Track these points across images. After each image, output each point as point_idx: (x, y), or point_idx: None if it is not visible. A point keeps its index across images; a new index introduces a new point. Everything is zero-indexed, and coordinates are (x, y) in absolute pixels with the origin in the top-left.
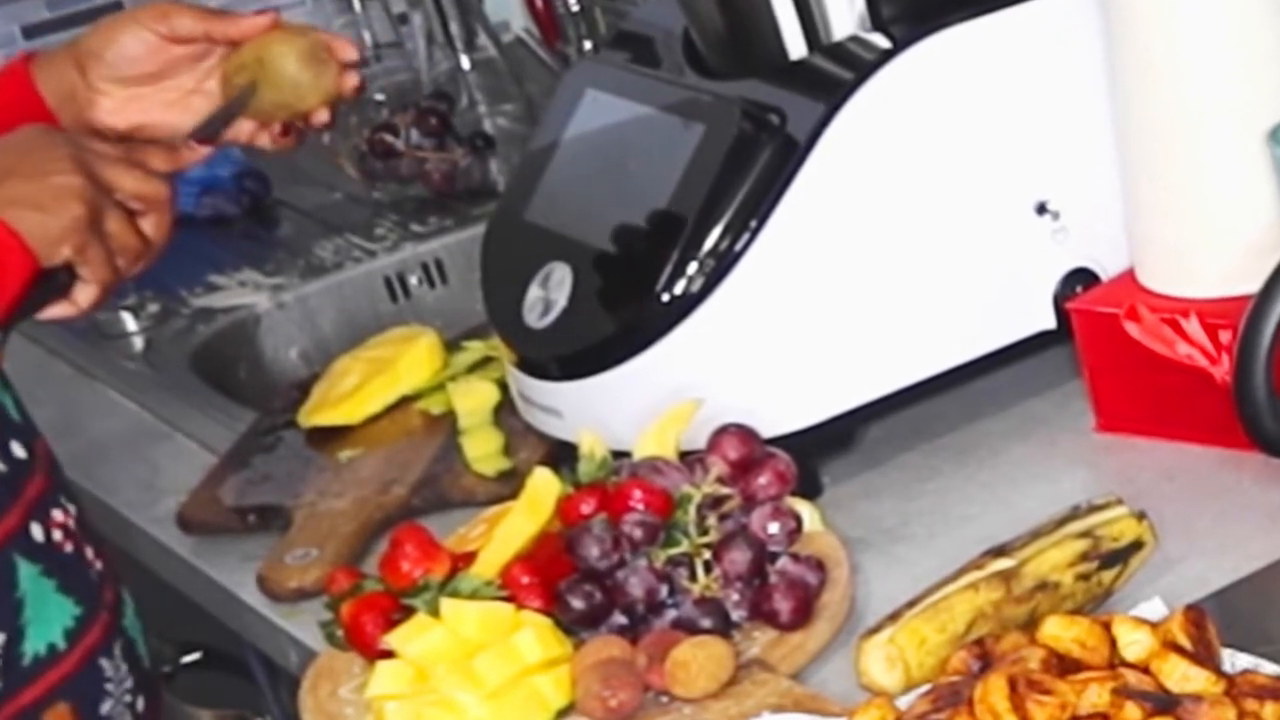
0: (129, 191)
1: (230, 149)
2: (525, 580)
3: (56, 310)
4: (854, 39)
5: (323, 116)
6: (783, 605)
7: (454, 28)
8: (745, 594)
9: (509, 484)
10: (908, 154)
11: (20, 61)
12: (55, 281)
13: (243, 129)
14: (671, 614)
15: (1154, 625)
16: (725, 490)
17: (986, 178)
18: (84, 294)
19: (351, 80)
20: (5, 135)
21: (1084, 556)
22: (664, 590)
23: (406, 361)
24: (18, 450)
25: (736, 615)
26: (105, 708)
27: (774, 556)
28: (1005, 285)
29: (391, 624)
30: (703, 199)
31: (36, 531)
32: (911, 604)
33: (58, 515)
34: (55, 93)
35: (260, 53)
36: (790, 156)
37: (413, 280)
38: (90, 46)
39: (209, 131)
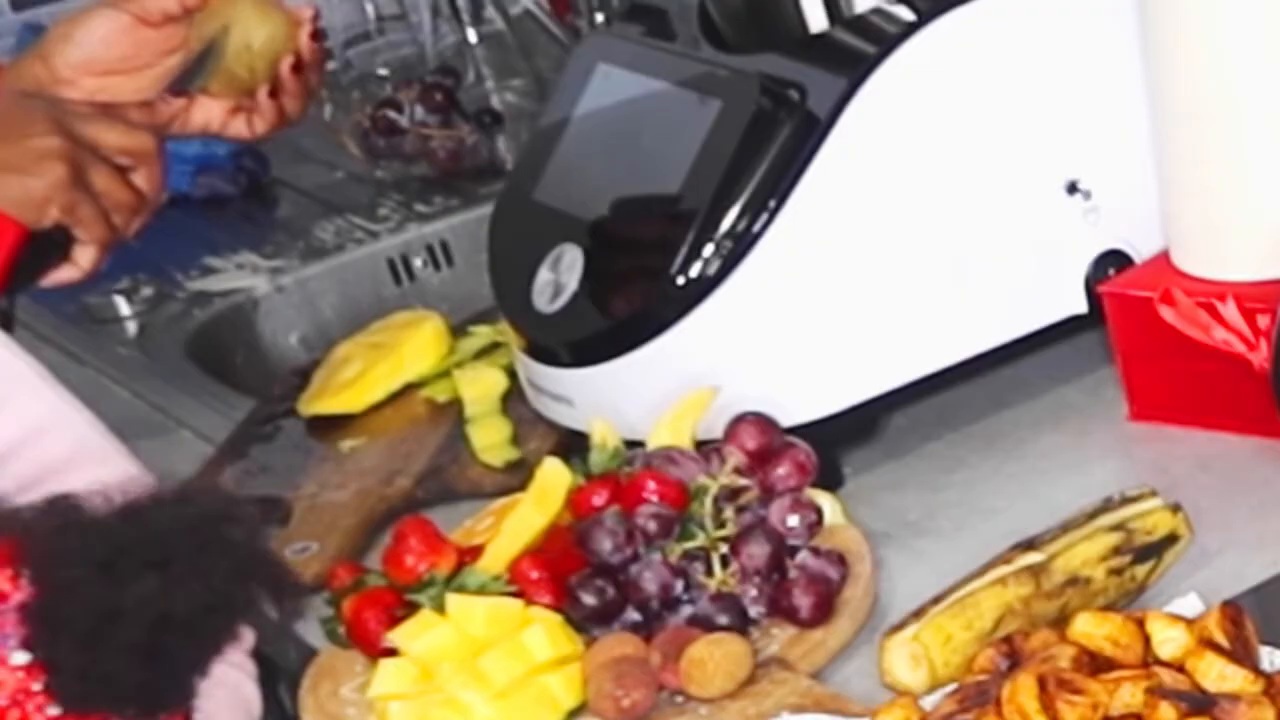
0: (113, 146)
1: None
2: (534, 575)
3: (60, 275)
4: (877, 11)
5: (287, 64)
6: (803, 601)
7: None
8: (764, 589)
9: (517, 475)
10: (933, 131)
11: None
12: (51, 244)
13: (213, 112)
14: (687, 610)
15: (1189, 622)
16: (743, 481)
17: (1015, 156)
18: (84, 255)
19: (306, 31)
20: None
21: (1116, 550)
22: (679, 585)
23: (411, 347)
24: None
25: (754, 611)
26: None
27: (793, 550)
28: (1035, 268)
29: (395, 621)
30: (719, 178)
31: None
32: (937, 600)
33: None
34: (19, 90)
35: (223, 6)
36: (810, 134)
37: (417, 263)
38: (56, 33)
39: (184, 83)
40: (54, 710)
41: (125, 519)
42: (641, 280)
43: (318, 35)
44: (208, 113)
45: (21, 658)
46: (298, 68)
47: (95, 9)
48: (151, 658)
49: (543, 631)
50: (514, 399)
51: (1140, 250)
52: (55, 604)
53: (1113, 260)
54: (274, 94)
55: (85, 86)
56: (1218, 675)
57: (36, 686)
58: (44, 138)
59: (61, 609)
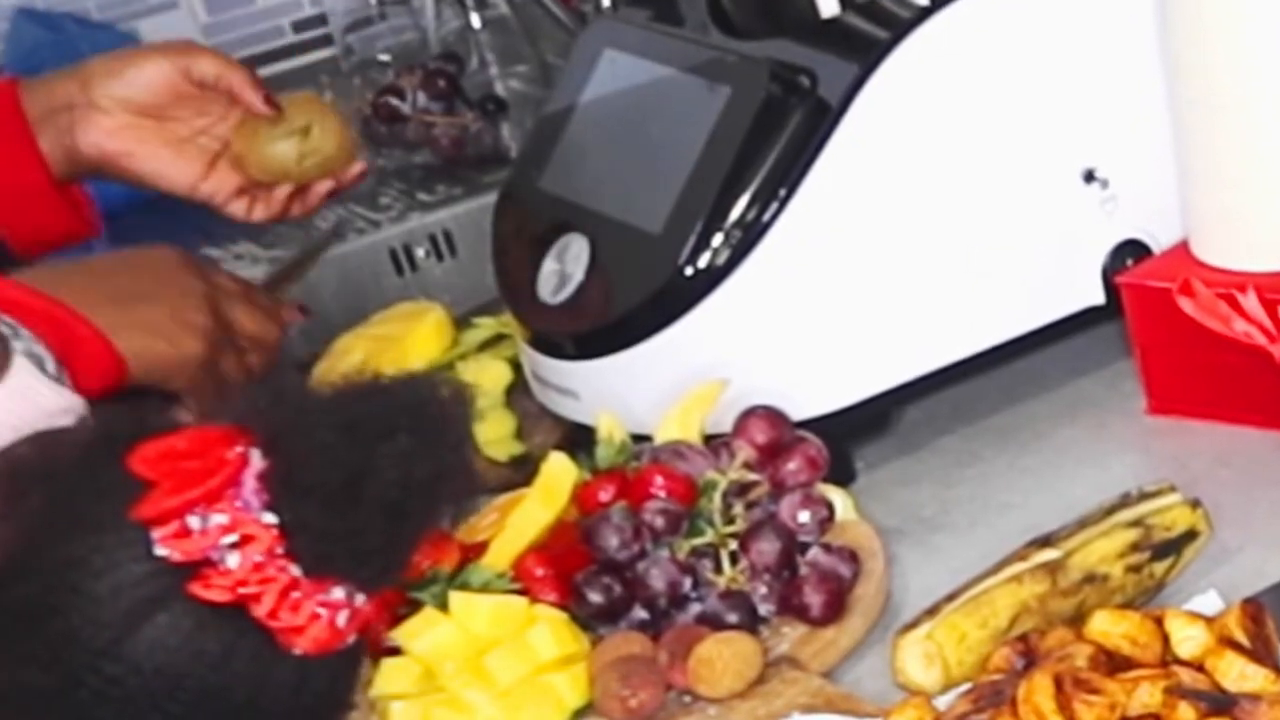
0: (248, 333)
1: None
2: (540, 572)
3: None
4: None
5: (325, 188)
6: (814, 599)
7: None
8: (774, 587)
9: (522, 470)
10: (946, 118)
11: (4, 83)
12: (149, 395)
13: (223, 187)
14: (695, 608)
15: (1209, 620)
16: (753, 476)
17: (1031, 144)
18: (179, 414)
19: (357, 169)
20: (138, 253)
21: (1135, 547)
22: (687, 583)
23: (413, 339)
24: None
25: (764, 609)
26: None
27: (804, 547)
28: (1051, 258)
29: (397, 619)
30: (728, 166)
31: None
32: (951, 597)
33: None
34: (44, 107)
35: (309, 105)
36: (822, 121)
37: (420, 253)
38: (104, 65)
39: (283, 280)
40: (296, 571)
41: (356, 395)
42: (649, 270)
43: (363, 177)
44: (217, 185)
45: (270, 518)
46: (332, 193)
47: (148, 53)
48: (394, 518)
49: (548, 630)
50: (519, 392)
51: (1159, 240)
52: (300, 469)
53: (1131, 250)
54: (290, 196)
55: (117, 119)
56: (1238, 674)
57: (279, 549)
58: (196, 313)
59: (308, 473)
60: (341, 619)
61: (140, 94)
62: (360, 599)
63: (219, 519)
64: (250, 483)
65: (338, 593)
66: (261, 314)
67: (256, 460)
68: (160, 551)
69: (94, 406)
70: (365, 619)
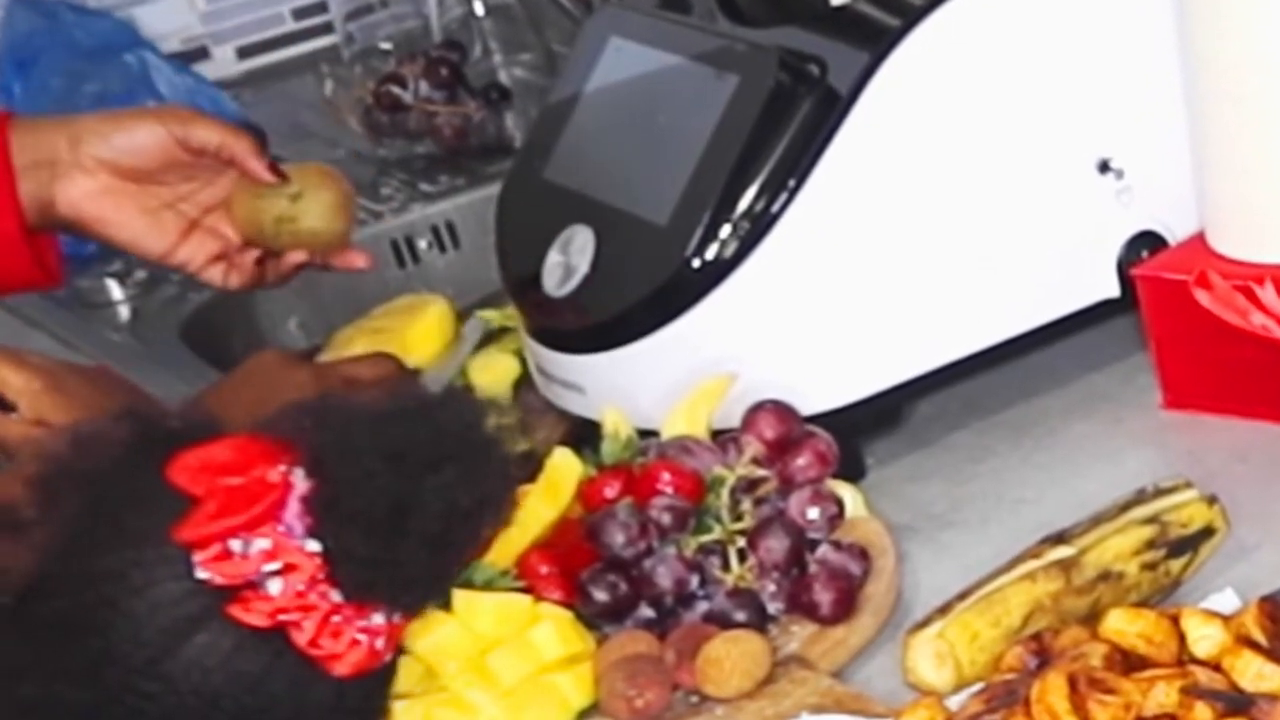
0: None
1: (224, 102)
2: (544, 570)
3: None
4: None
5: (299, 258)
6: (823, 597)
7: None
8: (782, 585)
9: (526, 466)
10: (958, 107)
11: None
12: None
13: (198, 255)
14: (703, 606)
15: (1226, 618)
16: (761, 472)
17: (1044, 133)
18: None
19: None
20: (244, 369)
21: (1150, 544)
22: (694, 581)
23: (415, 333)
24: None
25: (773, 608)
26: None
27: (814, 544)
28: (1065, 250)
29: None
30: (736, 156)
31: None
32: (963, 596)
33: None
34: (30, 155)
35: (312, 175)
36: (831, 110)
37: (422, 244)
38: (96, 126)
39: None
40: (336, 597)
41: (405, 416)
42: (655, 262)
43: (365, 267)
44: (192, 253)
45: (313, 545)
46: (310, 266)
47: (144, 117)
48: (437, 549)
49: (552, 628)
50: (523, 387)
51: (1175, 231)
52: (345, 495)
53: (1146, 242)
54: (261, 261)
55: (98, 182)
56: (1255, 674)
57: (320, 575)
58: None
59: (353, 500)
60: (381, 641)
61: (127, 158)
62: (399, 619)
63: (262, 544)
64: (294, 505)
65: (378, 618)
66: (367, 367)
67: (300, 482)
68: (201, 575)
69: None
70: (400, 635)
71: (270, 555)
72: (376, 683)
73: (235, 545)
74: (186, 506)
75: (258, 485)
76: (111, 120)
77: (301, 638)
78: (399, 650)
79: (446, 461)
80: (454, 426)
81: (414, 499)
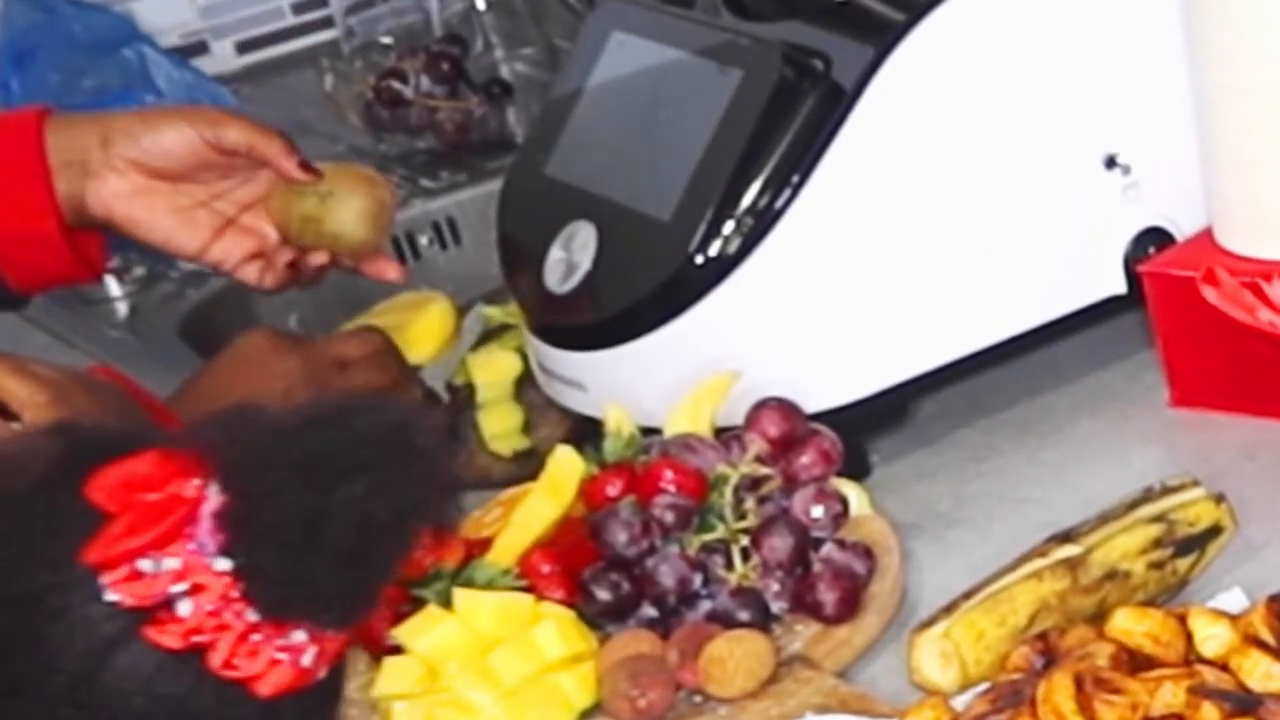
0: (352, 365)
1: (224, 97)
2: (546, 569)
3: None
4: None
5: (320, 260)
6: (827, 596)
7: None
8: (786, 584)
9: (528, 464)
10: (964, 102)
11: (34, 114)
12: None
13: (233, 253)
14: (706, 606)
15: (1233, 618)
16: (765, 470)
17: (1051, 129)
18: None
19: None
20: (231, 352)
21: (1157, 543)
22: (698, 580)
23: (416, 329)
24: None
25: (777, 607)
26: None
27: (818, 543)
28: (1071, 246)
29: (399, 616)
30: (740, 152)
31: None
32: (968, 595)
33: None
34: (64, 155)
35: (346, 176)
36: (836, 105)
37: (423, 240)
38: (126, 125)
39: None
40: (252, 616)
41: (319, 425)
42: (658, 259)
43: (395, 277)
44: (226, 251)
45: (224, 564)
46: (336, 267)
47: (174, 118)
48: (354, 564)
49: (554, 628)
50: (524, 384)
51: (1182, 227)
52: (256, 510)
53: (1153, 238)
54: (294, 264)
55: (130, 182)
56: (1263, 674)
57: (235, 593)
58: (298, 392)
59: (264, 515)
60: (307, 658)
61: (158, 160)
62: (330, 634)
63: (171, 563)
64: (206, 521)
65: (299, 635)
66: (355, 345)
67: (214, 496)
68: (111, 596)
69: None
70: (337, 651)
71: (179, 575)
72: (314, 701)
73: (145, 565)
74: (100, 527)
75: (171, 501)
76: (142, 121)
77: (216, 659)
78: (338, 665)
79: (360, 472)
80: (372, 434)
81: (326, 512)
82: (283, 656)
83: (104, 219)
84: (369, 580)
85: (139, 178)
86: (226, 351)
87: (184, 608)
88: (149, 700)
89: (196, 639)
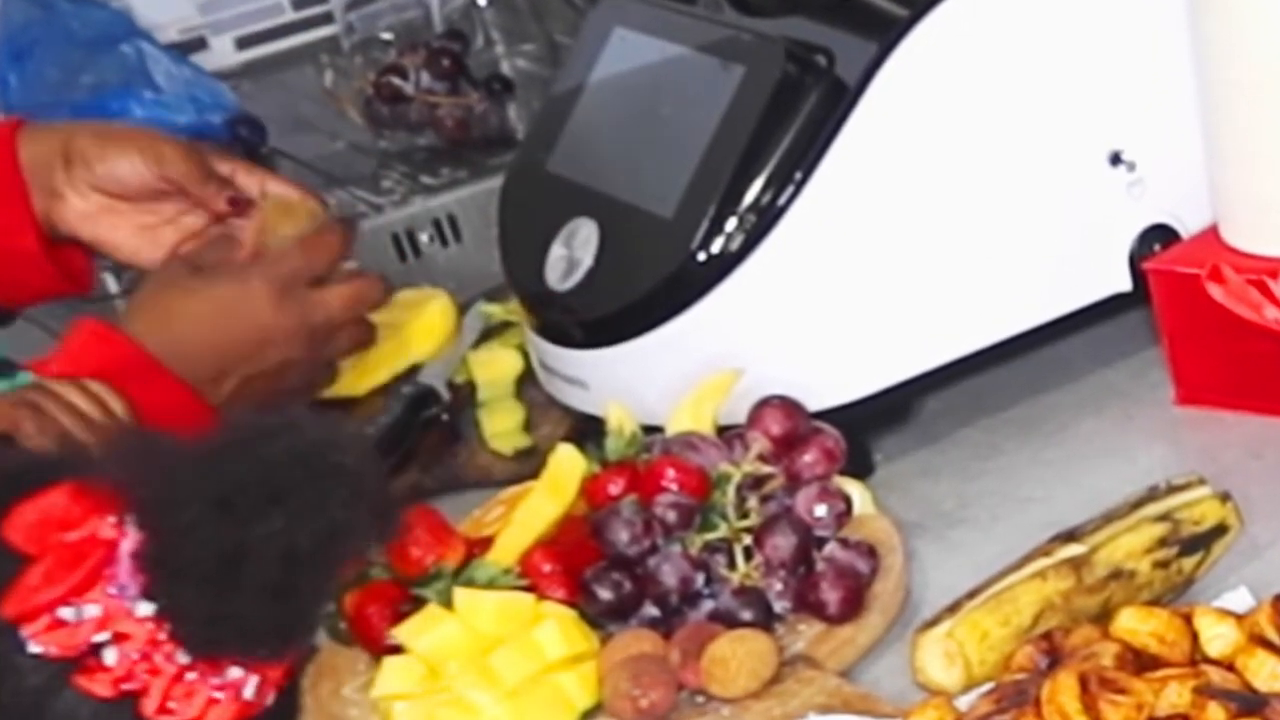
0: (347, 319)
1: (223, 93)
2: (547, 568)
3: None
4: None
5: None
6: (830, 596)
7: None
8: (789, 583)
9: (529, 462)
10: (968, 98)
11: (8, 127)
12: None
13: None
14: (708, 605)
15: (1240, 617)
16: (767, 469)
17: (1055, 125)
18: None
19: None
20: (232, 305)
21: (1162, 542)
22: (700, 579)
23: (416, 327)
24: None
25: (780, 607)
26: None
27: (821, 542)
28: (1076, 243)
29: (400, 616)
30: (742, 149)
31: None
32: (972, 594)
33: None
34: (33, 171)
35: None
36: (839, 101)
37: (423, 238)
38: (84, 149)
39: None
40: (183, 658)
41: (234, 453)
42: (660, 256)
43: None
44: None
45: (146, 608)
46: None
47: (123, 148)
48: (280, 595)
49: (556, 628)
50: (525, 382)
51: (1187, 224)
52: (174, 548)
53: (1158, 235)
54: None
55: (91, 203)
56: (1269, 673)
57: (162, 635)
58: (297, 355)
59: (182, 553)
60: (249, 691)
61: (114, 187)
62: (269, 664)
63: (92, 611)
64: (126, 562)
65: (235, 672)
66: (350, 294)
67: (132, 534)
68: (34, 649)
69: None
70: (282, 676)
71: (101, 623)
72: None
73: (67, 614)
74: (18, 573)
75: (89, 544)
76: (98, 145)
77: (149, 705)
78: (290, 685)
79: (276, 502)
80: (286, 460)
81: (245, 546)
82: (220, 695)
83: (72, 236)
84: (299, 609)
85: (100, 199)
86: (233, 302)
87: (110, 656)
88: None
89: (126, 686)
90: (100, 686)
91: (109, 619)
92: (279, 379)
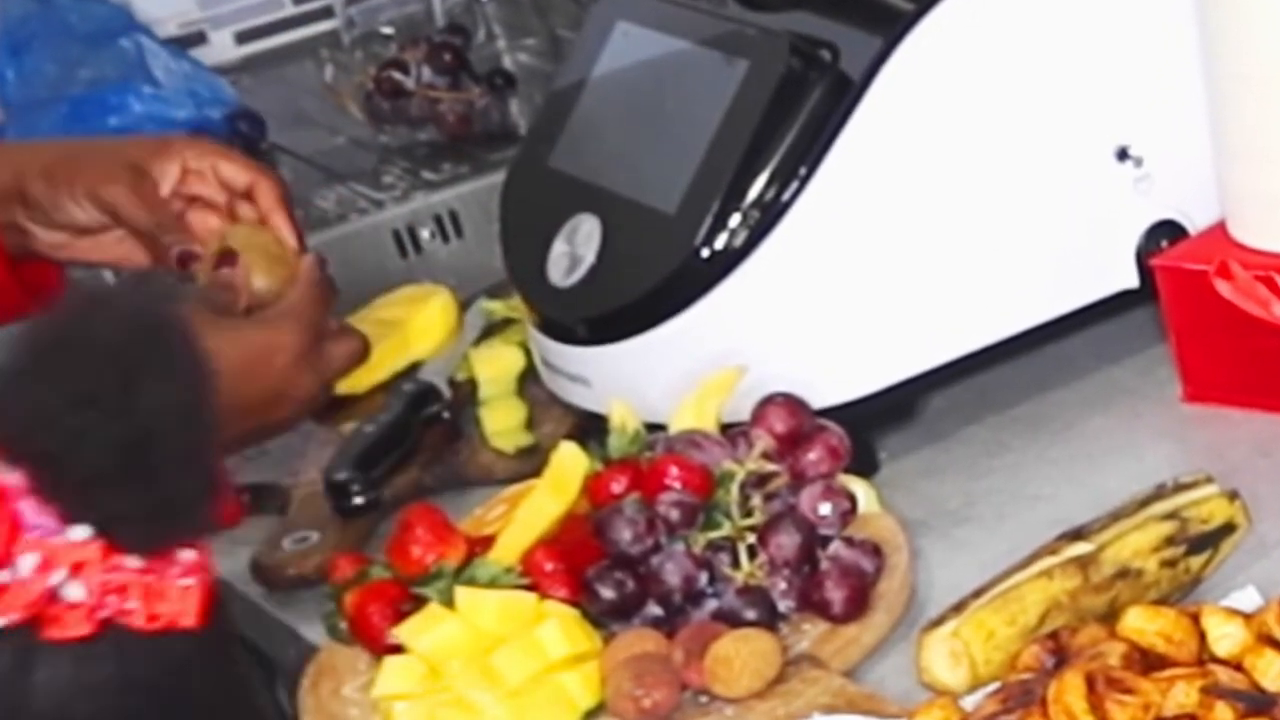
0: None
1: (222, 88)
2: (549, 567)
3: None
4: None
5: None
6: (835, 595)
7: None
8: (794, 582)
9: (531, 460)
10: (973, 93)
11: None
12: None
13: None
14: (712, 604)
15: (1247, 617)
16: (771, 467)
17: (1061, 120)
18: None
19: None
20: (262, 361)
21: (1170, 540)
22: (703, 578)
23: (417, 324)
24: None
25: (784, 606)
26: None
27: (825, 541)
28: (1083, 240)
29: (401, 615)
30: (746, 144)
31: None
32: (978, 593)
33: None
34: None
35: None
36: (843, 96)
37: (424, 234)
38: (37, 196)
39: None
40: (134, 563)
41: (68, 353)
42: (663, 252)
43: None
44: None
45: (81, 532)
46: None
47: (82, 184)
48: (191, 457)
49: (558, 627)
50: (527, 379)
51: (1195, 221)
52: (68, 466)
53: (1166, 231)
54: None
55: (57, 235)
56: (1277, 673)
57: (110, 550)
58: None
59: (77, 467)
60: (210, 565)
61: (74, 227)
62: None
63: (30, 560)
64: (27, 504)
65: (188, 554)
66: (350, 353)
67: (12, 475)
68: None
69: None
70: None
71: (46, 564)
72: (222, 607)
73: (4, 577)
74: None
75: None
76: (50, 191)
77: (138, 619)
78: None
79: (135, 380)
80: (121, 335)
81: (134, 432)
82: (189, 580)
83: (49, 258)
84: (211, 461)
85: (67, 235)
86: (263, 358)
87: (74, 591)
88: (88, 700)
89: (102, 614)
90: (75, 626)
91: (52, 557)
92: (274, 428)
